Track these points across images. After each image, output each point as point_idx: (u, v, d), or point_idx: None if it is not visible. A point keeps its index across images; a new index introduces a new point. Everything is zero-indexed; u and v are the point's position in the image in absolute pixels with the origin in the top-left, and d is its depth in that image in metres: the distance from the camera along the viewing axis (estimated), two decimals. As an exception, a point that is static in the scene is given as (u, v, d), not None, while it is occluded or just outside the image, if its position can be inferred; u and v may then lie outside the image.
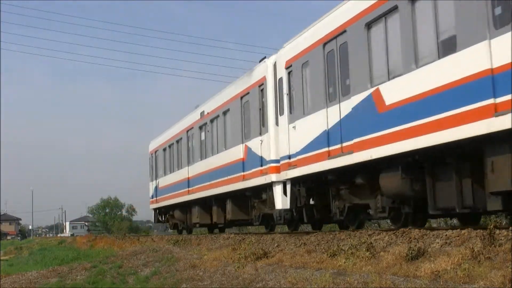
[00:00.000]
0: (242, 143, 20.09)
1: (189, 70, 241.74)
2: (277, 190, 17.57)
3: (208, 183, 23.41)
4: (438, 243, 9.60)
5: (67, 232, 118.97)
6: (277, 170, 17.32)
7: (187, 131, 27.28)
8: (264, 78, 18.33)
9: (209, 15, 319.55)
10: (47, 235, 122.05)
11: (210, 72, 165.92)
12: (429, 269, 8.03)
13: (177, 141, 29.17)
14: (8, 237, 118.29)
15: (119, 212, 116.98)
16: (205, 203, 25.17)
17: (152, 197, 34.48)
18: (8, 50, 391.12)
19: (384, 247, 10.57)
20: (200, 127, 25.20)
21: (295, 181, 16.56)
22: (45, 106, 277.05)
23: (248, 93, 19.76)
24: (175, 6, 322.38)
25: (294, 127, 16.08)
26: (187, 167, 26.84)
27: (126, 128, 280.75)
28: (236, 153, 20.57)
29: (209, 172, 23.41)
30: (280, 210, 17.49)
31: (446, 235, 9.96)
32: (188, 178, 26.42)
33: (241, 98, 20.35)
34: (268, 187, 18.21)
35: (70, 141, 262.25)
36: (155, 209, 34.42)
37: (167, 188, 30.74)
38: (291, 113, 16.48)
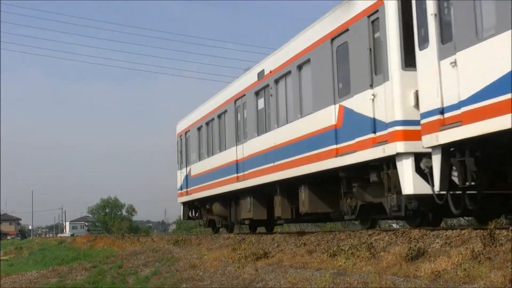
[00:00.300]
0: (335, 103, 14.30)
1: (189, 70, 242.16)
2: (406, 165, 11.89)
3: (270, 165, 17.68)
4: (438, 243, 9.61)
5: (67, 232, 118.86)
6: (407, 135, 12.00)
7: (235, 101, 21.08)
8: (379, 3, 12.84)
9: (209, 15, 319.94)
10: (47, 235, 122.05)
11: (210, 72, 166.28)
12: (429, 269, 8.04)
13: (219, 116, 22.92)
14: (8, 237, 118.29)
15: (119, 212, 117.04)
16: (261, 193, 19.52)
17: (181, 188, 27.87)
18: (8, 50, 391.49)
19: (384, 247, 10.58)
20: (257, 93, 19.12)
21: (446, 150, 11.01)
22: (45, 106, 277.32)
23: (346, 30, 14.03)
24: (175, 6, 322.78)
25: (453, 62, 10.70)
26: (235, 147, 20.87)
27: (126, 128, 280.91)
28: (322, 119, 14.87)
29: (271, 150, 17.71)
30: (401, 198, 12.14)
31: (446, 235, 9.96)
32: (237, 160, 20.57)
33: (332, 40, 14.55)
34: (387, 162, 12.60)
35: (70, 141, 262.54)
36: (184, 203, 28.03)
37: (203, 176, 24.47)
38: (444, 42, 11.06)
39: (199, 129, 25.57)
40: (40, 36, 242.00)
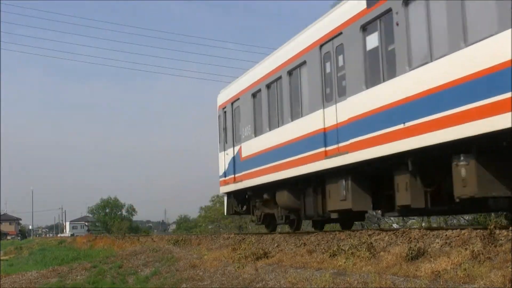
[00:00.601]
0: None
1: (189, 70, 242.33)
2: None
3: (395, 128, 11.91)
4: (438, 243, 9.61)
5: (67, 232, 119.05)
6: None
7: (321, 46, 15.11)
8: None
9: (209, 15, 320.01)
10: (47, 235, 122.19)
11: (210, 72, 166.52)
12: (429, 269, 8.04)
13: (290, 72, 16.93)
14: (8, 237, 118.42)
15: (119, 212, 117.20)
16: (363, 174, 14.05)
17: (225, 174, 21.77)
18: (8, 50, 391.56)
19: (384, 247, 10.58)
20: (365, 27, 13.17)
21: None
22: (45, 106, 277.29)
23: None
24: (175, 6, 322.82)
25: None
26: (321, 110, 15.09)
27: (126, 128, 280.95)
28: None
29: (397, 106, 11.92)
30: None
31: (446, 235, 9.96)
32: (325, 129, 14.89)
33: None
34: None
35: (70, 141, 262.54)
36: (229, 194, 22.01)
37: (261, 155, 18.63)
38: None
39: (254, 95, 19.54)
40: (40, 36, 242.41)
